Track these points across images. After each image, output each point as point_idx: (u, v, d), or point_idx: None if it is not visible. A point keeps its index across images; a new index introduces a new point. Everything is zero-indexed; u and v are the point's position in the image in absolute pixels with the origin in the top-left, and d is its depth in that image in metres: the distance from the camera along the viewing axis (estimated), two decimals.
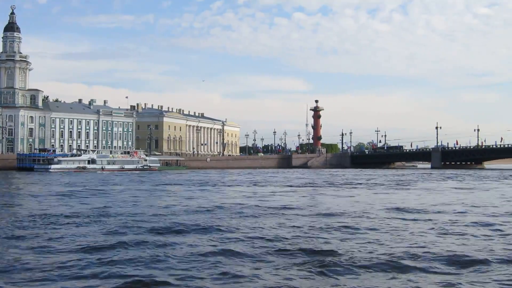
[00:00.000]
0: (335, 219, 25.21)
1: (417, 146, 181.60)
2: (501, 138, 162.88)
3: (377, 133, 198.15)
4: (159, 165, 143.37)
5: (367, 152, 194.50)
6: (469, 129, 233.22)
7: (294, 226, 22.60)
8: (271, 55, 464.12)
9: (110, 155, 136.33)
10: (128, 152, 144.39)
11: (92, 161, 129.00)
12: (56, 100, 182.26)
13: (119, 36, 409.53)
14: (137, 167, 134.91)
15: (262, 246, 17.49)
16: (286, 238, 18.95)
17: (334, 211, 28.54)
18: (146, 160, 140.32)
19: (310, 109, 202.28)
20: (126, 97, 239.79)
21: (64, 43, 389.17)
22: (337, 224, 23.07)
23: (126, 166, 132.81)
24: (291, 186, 57.21)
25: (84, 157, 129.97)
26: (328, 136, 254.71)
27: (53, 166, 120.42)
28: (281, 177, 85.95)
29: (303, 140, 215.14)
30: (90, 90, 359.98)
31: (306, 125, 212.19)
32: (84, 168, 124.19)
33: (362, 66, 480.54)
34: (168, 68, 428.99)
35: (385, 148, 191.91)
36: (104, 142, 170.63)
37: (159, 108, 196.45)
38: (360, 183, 63.59)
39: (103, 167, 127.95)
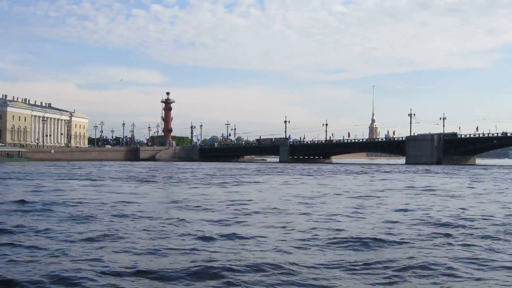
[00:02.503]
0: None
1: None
2: (348, 133, 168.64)
3: (227, 127, 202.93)
4: None
5: (216, 146, 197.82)
6: (323, 124, 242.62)
7: None
8: (128, 47, 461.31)
9: None
10: None
11: None
12: None
13: None
14: None
15: None
16: None
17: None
18: None
19: (161, 101, 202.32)
20: None
21: None
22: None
23: None
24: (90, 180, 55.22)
25: None
26: (183, 129, 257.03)
27: None
28: (98, 170, 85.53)
29: (155, 132, 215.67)
30: None
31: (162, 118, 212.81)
32: None
33: (219, 60, 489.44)
34: (22, 57, 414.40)
35: (235, 141, 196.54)
36: None
37: (3, 97, 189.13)
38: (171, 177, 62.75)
39: None
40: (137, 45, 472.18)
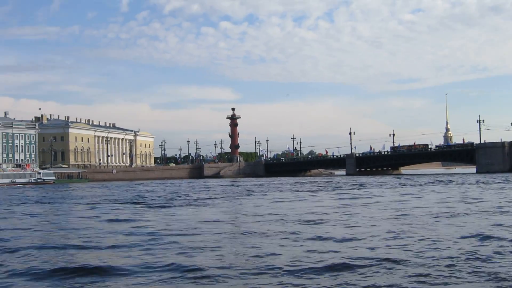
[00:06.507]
0: None
1: (332, 152, 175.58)
2: (414, 143, 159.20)
3: (293, 141, 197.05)
4: (54, 178, 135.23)
5: (283, 160, 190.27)
6: (396, 134, 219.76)
7: None
8: (199, 65, 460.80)
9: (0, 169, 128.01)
10: (20, 165, 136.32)
11: None
12: None
13: (45, 48, 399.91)
14: (30, 180, 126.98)
15: None
16: None
17: None
18: (39, 173, 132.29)
19: (227, 117, 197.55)
20: (39, 109, 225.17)
21: None
22: None
23: (18, 180, 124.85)
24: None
25: None
26: (252, 144, 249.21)
27: None
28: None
29: (221, 149, 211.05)
30: (18, 103, 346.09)
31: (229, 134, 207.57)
32: None
33: (290, 74, 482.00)
34: (96, 79, 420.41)
35: (304, 155, 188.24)
36: (5, 155, 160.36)
37: (65, 119, 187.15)
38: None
39: None
40: (208, 63, 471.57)
